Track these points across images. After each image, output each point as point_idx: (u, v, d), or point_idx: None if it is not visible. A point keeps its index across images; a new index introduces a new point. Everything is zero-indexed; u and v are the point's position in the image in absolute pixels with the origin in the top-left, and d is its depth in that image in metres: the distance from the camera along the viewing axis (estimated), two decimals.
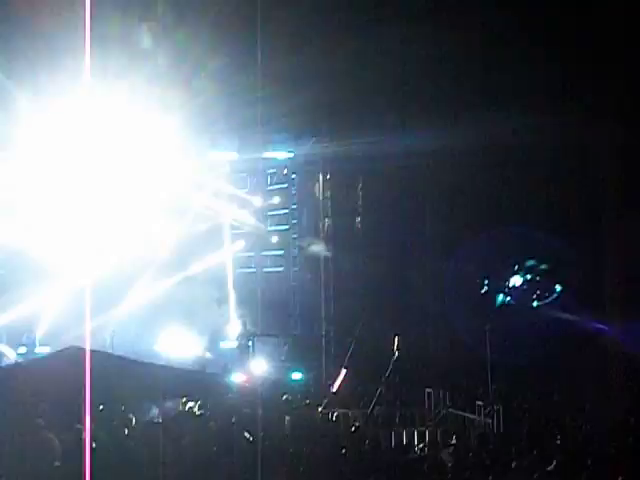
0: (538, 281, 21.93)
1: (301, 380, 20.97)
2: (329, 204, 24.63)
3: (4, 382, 18.67)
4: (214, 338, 25.73)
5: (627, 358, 19.76)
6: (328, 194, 24.65)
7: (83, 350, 20.85)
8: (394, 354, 18.64)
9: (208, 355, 24.93)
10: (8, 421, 16.81)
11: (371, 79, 21.64)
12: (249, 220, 26.50)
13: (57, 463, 16.16)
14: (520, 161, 21.52)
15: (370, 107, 22.07)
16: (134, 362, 20.59)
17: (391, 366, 18.34)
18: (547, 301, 21.77)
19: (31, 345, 24.66)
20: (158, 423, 16.91)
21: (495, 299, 22.21)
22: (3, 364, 23.02)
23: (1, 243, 24.52)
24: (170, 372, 19.33)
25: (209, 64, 22.42)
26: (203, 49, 22.30)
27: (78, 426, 16.76)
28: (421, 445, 16.01)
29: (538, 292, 21.77)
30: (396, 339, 18.60)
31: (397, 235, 22.80)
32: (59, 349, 21.65)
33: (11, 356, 23.62)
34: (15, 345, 24.50)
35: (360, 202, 23.60)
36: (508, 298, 22.06)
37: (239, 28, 21.77)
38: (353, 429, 16.69)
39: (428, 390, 18.89)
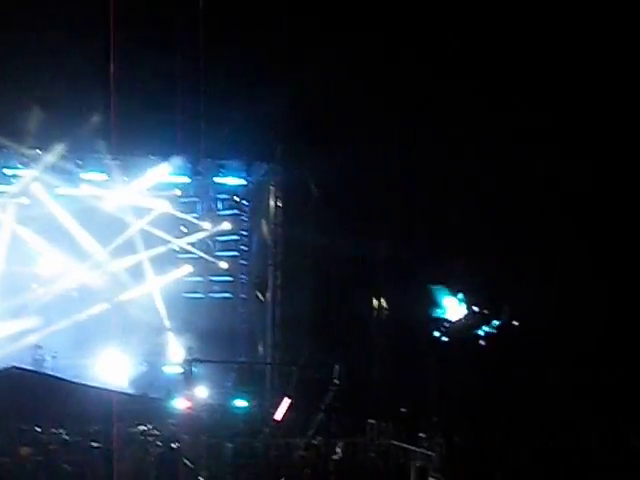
0: (480, 312, 22.01)
1: (245, 408, 20.85)
2: (280, 231, 24.62)
3: None
4: (157, 363, 25.49)
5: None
6: (279, 221, 24.63)
7: (22, 371, 20.70)
8: (334, 383, 18.61)
9: (150, 380, 24.67)
10: None
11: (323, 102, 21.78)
12: (198, 245, 26.42)
13: None
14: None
15: (325, 133, 22.19)
16: (76, 385, 20.35)
17: (331, 395, 18.30)
18: (486, 332, 21.85)
19: None
20: (98, 447, 16.70)
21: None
22: None
23: None
24: (113, 396, 19.11)
25: (163, 86, 22.41)
26: (154, 71, 22.28)
27: (17, 449, 16.54)
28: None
29: (480, 324, 21.85)
30: (336, 368, 18.57)
31: (346, 265, 22.84)
32: None
33: None
34: None
35: (311, 230, 23.61)
36: (441, 336, 22.01)
37: (189, 50, 21.79)
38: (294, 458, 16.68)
39: (370, 421, 18.91)
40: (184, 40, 21.58)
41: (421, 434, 17.90)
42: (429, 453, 17.27)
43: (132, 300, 25.45)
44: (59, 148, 23.23)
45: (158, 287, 25.79)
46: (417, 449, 17.59)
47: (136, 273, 25.67)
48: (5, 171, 24.76)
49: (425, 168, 21.37)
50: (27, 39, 21.32)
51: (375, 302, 23.20)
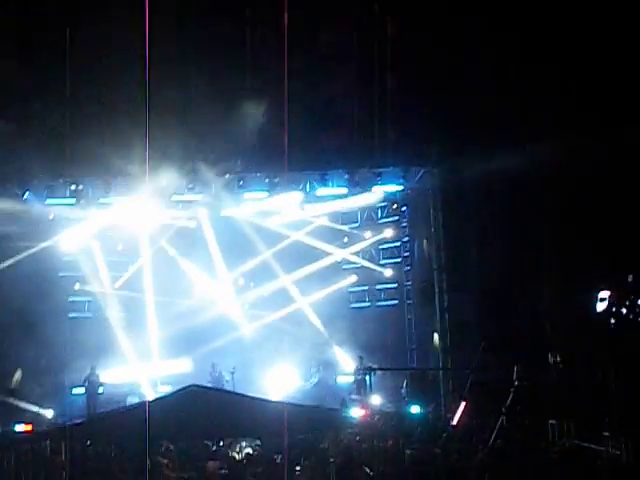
0: None
1: (421, 414, 20.76)
2: (442, 235, 24.36)
3: (127, 422, 19.18)
4: (329, 374, 25.79)
5: None
6: (441, 224, 24.38)
7: (203, 389, 21.40)
8: (514, 384, 18.26)
9: (324, 391, 24.97)
10: (132, 460, 17.27)
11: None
12: (361, 254, 26.61)
13: None
14: None
15: (482, 134, 21.82)
16: (254, 399, 20.83)
17: (511, 396, 17.95)
18: None
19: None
20: (279, 459, 17.02)
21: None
22: (127, 405, 23.60)
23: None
24: (290, 408, 19.47)
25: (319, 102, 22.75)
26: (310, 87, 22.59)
27: (204, 464, 17.11)
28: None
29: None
30: (515, 368, 18.22)
31: (513, 265, 22.36)
32: (179, 388, 22.11)
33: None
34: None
35: (474, 232, 23.25)
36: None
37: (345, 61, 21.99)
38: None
39: (551, 422, 18.39)
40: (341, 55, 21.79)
41: (605, 433, 17.24)
42: (615, 453, 16.64)
43: (295, 313, 25.95)
44: (226, 172, 24.06)
45: (321, 299, 26.11)
46: (602, 448, 16.99)
47: (297, 288, 26.15)
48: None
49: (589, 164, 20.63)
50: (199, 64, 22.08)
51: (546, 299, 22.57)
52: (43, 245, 24.74)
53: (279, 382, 24.83)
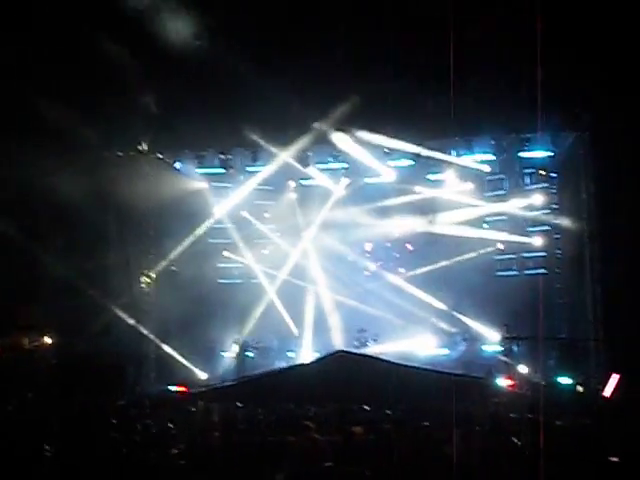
0: None
1: (570, 385, 20.32)
2: (593, 202, 23.56)
3: (276, 385, 19.65)
4: (476, 342, 25.53)
5: None
6: (592, 192, 23.56)
7: (351, 354, 21.65)
8: None
9: (469, 359, 24.78)
10: (279, 424, 17.66)
11: None
12: (508, 222, 26.14)
13: (328, 464, 16.76)
14: None
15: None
16: (400, 366, 20.91)
17: None
18: None
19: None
20: (425, 426, 17.00)
21: None
22: (275, 369, 24.14)
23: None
24: (435, 376, 19.45)
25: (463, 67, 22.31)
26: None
27: (349, 428, 17.29)
28: None
29: None
30: None
31: None
32: (326, 354, 22.43)
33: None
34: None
35: (627, 201, 22.37)
36: None
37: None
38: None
39: None
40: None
41: None
42: None
43: (452, 278, 25.78)
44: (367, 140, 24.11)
45: (466, 267, 25.83)
46: None
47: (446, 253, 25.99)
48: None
49: None
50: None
51: None
52: (196, 213, 25.60)
53: (423, 350, 24.83)
